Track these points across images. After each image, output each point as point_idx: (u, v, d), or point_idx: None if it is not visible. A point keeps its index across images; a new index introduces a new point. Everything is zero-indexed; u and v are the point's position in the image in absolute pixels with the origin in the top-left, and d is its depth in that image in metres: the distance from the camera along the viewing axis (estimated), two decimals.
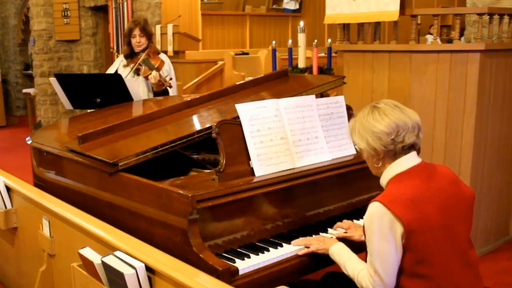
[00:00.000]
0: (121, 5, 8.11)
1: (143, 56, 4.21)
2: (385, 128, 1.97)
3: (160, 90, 4.18)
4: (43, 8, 9.40)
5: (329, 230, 2.47)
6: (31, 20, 9.62)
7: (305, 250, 2.27)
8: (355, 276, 2.06)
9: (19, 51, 12.56)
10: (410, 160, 2.02)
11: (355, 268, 2.07)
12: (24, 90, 11.28)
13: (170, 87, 4.18)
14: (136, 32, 4.22)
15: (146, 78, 4.20)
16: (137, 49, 4.27)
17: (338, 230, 2.47)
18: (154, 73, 4.08)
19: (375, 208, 1.92)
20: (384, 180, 2.05)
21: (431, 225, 1.91)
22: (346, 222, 2.48)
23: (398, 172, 2.00)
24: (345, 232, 2.42)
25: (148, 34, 4.27)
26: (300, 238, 2.33)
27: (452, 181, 2.05)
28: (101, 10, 9.26)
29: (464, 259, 2.00)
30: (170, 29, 7.18)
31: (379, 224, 1.90)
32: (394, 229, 1.89)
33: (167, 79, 4.15)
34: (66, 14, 9.35)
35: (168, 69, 4.31)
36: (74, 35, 9.48)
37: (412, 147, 2.02)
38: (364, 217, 1.97)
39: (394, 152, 2.00)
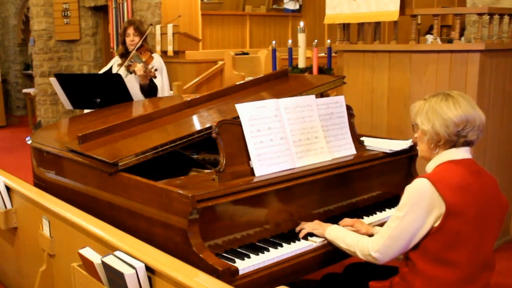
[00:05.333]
0: (121, 5, 8.11)
1: (133, 52, 4.31)
2: (455, 118, 2.00)
3: (146, 84, 4.20)
4: (43, 8, 9.39)
5: None
6: (31, 20, 9.62)
7: (303, 231, 2.33)
8: (356, 242, 2.10)
9: (19, 51, 12.55)
10: (464, 153, 2.06)
11: (355, 237, 2.12)
12: (24, 90, 11.28)
13: (155, 77, 4.23)
14: (130, 31, 4.37)
15: (135, 72, 4.24)
16: (130, 48, 4.39)
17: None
18: (139, 65, 4.14)
19: (421, 183, 1.96)
20: (433, 164, 2.08)
21: (468, 216, 1.93)
22: (349, 220, 2.47)
23: (450, 159, 2.04)
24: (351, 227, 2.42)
25: (141, 34, 4.40)
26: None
27: (494, 186, 2.08)
28: (101, 10, 9.25)
29: (487, 264, 2.02)
30: (170, 29, 7.18)
31: (419, 199, 1.94)
32: (432, 208, 1.92)
33: (152, 70, 4.20)
34: (66, 14, 9.35)
35: (153, 64, 4.35)
36: (74, 35, 9.48)
37: (470, 143, 2.06)
38: (406, 188, 2.01)
39: (454, 143, 2.04)
